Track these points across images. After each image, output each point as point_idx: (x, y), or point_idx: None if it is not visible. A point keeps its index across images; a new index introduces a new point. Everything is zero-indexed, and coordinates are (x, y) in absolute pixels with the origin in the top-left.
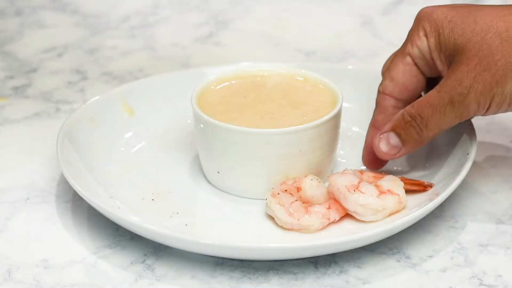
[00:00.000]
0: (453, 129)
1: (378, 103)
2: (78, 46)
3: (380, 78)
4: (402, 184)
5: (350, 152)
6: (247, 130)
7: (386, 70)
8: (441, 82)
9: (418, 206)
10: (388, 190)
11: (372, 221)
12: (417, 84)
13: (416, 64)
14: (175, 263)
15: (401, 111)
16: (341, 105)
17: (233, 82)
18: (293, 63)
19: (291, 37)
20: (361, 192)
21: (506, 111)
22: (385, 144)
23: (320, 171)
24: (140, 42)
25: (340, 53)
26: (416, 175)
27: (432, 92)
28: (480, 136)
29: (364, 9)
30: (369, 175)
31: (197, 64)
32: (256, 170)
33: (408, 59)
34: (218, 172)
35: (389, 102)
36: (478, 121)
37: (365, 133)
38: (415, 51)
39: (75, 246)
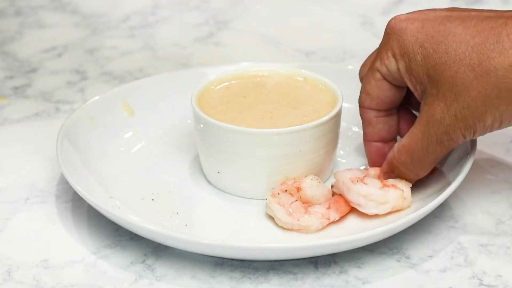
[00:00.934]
0: None
1: (361, 116)
2: (78, 46)
3: None
4: (410, 184)
5: (350, 152)
6: (247, 130)
7: (362, 83)
8: (422, 121)
9: (418, 206)
10: (392, 185)
11: (375, 214)
12: (393, 96)
13: (386, 79)
14: (175, 263)
15: (391, 156)
16: (341, 105)
17: (233, 82)
18: (293, 63)
19: (291, 37)
20: (364, 183)
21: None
22: None
23: (320, 171)
24: (140, 42)
25: (340, 53)
26: None
27: (416, 134)
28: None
29: (364, 9)
30: (376, 171)
31: (197, 64)
32: (256, 170)
33: (378, 75)
34: (218, 172)
35: (371, 114)
36: None
37: None
38: (383, 69)
39: (75, 246)
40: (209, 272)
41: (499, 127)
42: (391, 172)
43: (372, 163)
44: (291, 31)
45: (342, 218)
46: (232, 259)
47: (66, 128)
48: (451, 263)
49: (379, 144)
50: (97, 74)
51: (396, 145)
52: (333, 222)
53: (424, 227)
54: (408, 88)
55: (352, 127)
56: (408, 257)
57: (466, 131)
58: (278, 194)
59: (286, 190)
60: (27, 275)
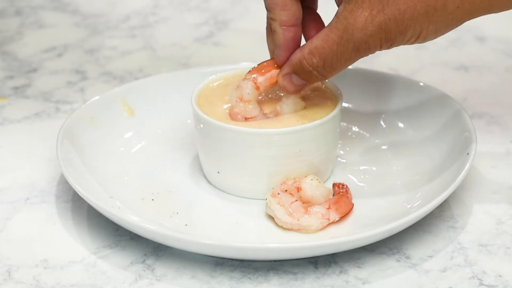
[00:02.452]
0: (453, 128)
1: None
2: (78, 46)
3: (379, 80)
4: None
5: (350, 152)
6: (247, 130)
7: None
8: (340, 26)
9: (418, 206)
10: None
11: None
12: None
13: None
14: (175, 263)
15: (299, 55)
16: (341, 105)
17: (233, 82)
18: None
19: None
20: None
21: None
22: (290, 85)
23: (320, 171)
24: (140, 42)
25: None
26: (416, 175)
27: (332, 38)
28: (480, 136)
29: None
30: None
31: (197, 64)
32: (256, 170)
33: None
34: (218, 172)
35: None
36: (478, 121)
37: (365, 133)
38: None
39: (75, 246)
40: (209, 272)
41: (411, 43)
42: (294, 73)
43: (285, 50)
44: None
45: (342, 218)
46: (232, 259)
47: (66, 128)
48: (451, 263)
49: (296, 28)
50: (97, 74)
51: (307, 47)
52: (333, 222)
53: (424, 227)
54: None
55: (352, 127)
56: (408, 257)
57: (386, 42)
58: (278, 194)
59: (286, 190)
60: (27, 275)
